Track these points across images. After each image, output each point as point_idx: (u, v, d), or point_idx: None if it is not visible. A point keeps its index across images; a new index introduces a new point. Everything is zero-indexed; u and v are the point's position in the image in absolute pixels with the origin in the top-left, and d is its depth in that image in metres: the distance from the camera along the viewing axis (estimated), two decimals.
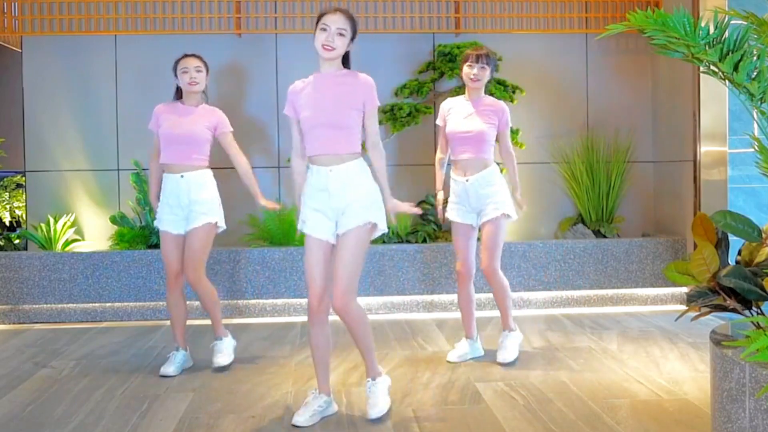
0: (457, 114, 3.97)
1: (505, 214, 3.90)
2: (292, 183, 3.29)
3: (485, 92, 4.02)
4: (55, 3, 5.66)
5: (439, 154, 4.13)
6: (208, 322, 5.03)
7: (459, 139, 3.93)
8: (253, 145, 5.65)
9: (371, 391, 3.20)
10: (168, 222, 3.87)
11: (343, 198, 3.03)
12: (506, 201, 3.93)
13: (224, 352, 4.01)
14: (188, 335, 4.76)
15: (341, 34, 2.99)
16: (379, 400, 3.16)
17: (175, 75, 3.92)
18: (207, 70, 3.97)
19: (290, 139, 3.28)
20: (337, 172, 3.02)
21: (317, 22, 3.03)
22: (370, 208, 3.05)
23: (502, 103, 4.01)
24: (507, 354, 3.95)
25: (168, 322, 5.15)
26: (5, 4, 5.63)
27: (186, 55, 3.94)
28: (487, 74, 3.93)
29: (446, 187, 4.10)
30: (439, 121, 4.08)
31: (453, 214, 4.01)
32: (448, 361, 4.01)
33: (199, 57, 3.96)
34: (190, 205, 3.83)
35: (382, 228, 3.10)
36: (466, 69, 3.93)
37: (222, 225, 3.93)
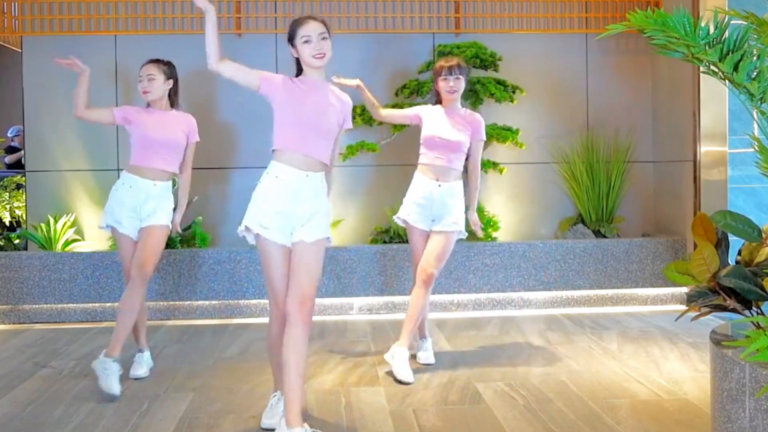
0: (437, 120, 3.93)
1: (459, 231, 3.91)
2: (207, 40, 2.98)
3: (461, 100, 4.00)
4: (55, 3, 5.66)
5: (383, 111, 4.07)
6: (207, 321, 5.05)
7: (437, 145, 3.88)
8: (253, 144, 5.65)
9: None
10: (129, 227, 3.76)
11: (311, 206, 2.94)
12: (462, 218, 3.93)
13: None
14: (187, 335, 4.77)
15: (324, 38, 2.98)
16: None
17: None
18: (168, 76, 3.85)
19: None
20: (314, 179, 2.96)
21: (293, 38, 3.01)
22: (328, 222, 3.02)
23: (477, 115, 4.01)
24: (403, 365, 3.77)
25: (168, 322, 5.16)
26: (5, 4, 5.63)
27: (146, 62, 3.87)
28: (462, 84, 3.90)
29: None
30: (411, 111, 4.03)
31: (415, 218, 3.92)
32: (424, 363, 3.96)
33: (157, 63, 3.84)
34: (154, 210, 3.77)
35: (329, 242, 3.02)
36: (441, 83, 3.89)
37: (168, 225, 3.87)
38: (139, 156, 3.79)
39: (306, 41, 2.98)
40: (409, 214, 3.94)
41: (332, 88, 3.10)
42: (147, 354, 3.94)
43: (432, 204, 3.88)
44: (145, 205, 3.76)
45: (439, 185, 3.88)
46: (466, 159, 3.98)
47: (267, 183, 2.95)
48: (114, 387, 3.43)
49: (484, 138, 4.00)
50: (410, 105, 5.61)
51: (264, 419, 3.08)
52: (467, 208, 4.00)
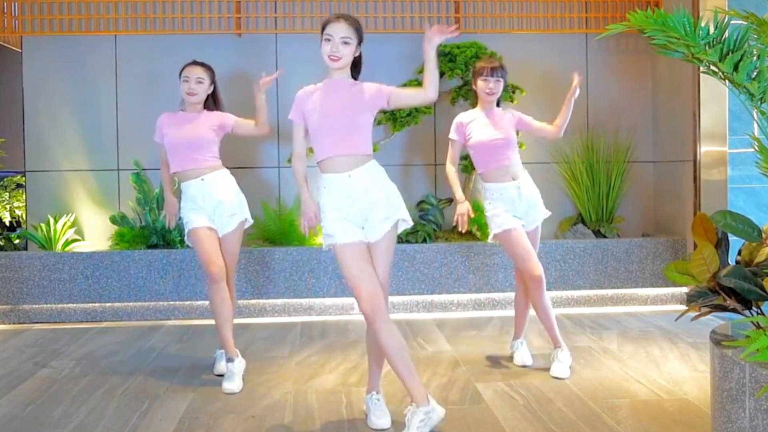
0: (481, 125, 3.89)
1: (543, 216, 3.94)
2: (296, 183, 3.16)
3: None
4: (55, 3, 5.66)
5: (452, 167, 3.99)
6: (207, 321, 5.04)
7: (494, 148, 3.84)
8: (253, 145, 5.65)
9: (377, 403, 3.15)
10: (199, 220, 3.75)
11: (366, 201, 2.98)
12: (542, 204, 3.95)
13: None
14: (187, 335, 4.77)
15: (346, 43, 2.99)
16: (385, 411, 3.11)
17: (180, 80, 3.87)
18: (211, 80, 3.89)
19: (290, 141, 3.27)
20: (357, 176, 2.98)
21: (322, 31, 3.03)
22: (393, 206, 3.03)
23: (509, 108, 4.05)
24: None
25: (168, 322, 5.16)
26: (5, 4, 5.63)
27: (190, 63, 3.88)
28: (501, 86, 3.88)
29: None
30: (453, 135, 3.95)
31: (506, 222, 3.80)
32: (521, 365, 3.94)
33: (203, 66, 3.88)
34: (217, 207, 3.76)
35: (408, 221, 3.07)
36: (480, 83, 3.86)
37: (250, 219, 3.89)
38: (175, 162, 3.81)
39: (327, 39, 3.00)
40: (496, 220, 3.84)
41: (356, 84, 3.09)
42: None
43: (519, 204, 3.84)
44: (204, 203, 3.77)
45: (519, 186, 3.85)
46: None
47: (323, 196, 3.03)
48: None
49: (529, 117, 4.01)
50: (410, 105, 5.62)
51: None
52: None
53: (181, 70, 3.86)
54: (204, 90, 3.84)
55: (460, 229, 3.91)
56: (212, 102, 3.94)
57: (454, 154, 4.01)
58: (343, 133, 2.99)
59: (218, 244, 3.78)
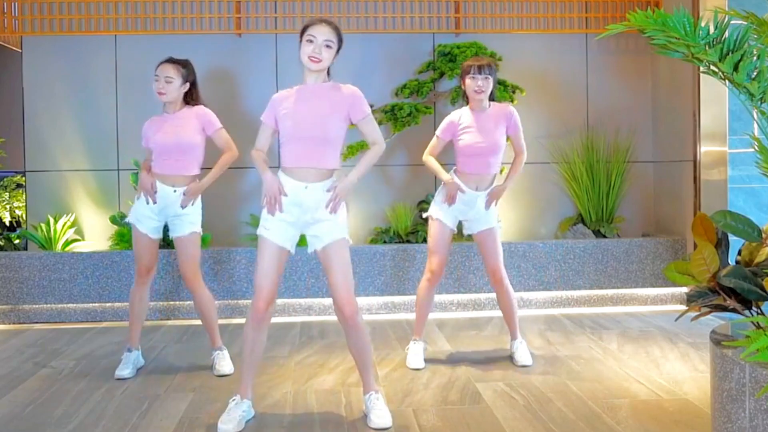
0: (468, 129, 3.89)
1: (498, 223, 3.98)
2: (257, 167, 3.18)
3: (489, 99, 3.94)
4: (55, 3, 5.66)
5: (430, 156, 4.01)
6: None
7: (476, 153, 3.86)
8: (252, 145, 5.63)
9: (376, 402, 3.14)
10: (148, 226, 3.79)
11: (315, 214, 3.05)
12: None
13: (226, 360, 3.94)
14: (187, 335, 4.77)
15: (328, 46, 3.00)
16: (385, 410, 3.11)
17: None
18: (185, 78, 3.80)
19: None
20: (313, 190, 3.03)
21: (303, 33, 3.02)
22: (342, 225, 3.08)
23: (507, 106, 3.95)
24: None
25: (168, 322, 5.16)
26: (5, 4, 5.63)
27: (163, 61, 3.80)
28: (490, 84, 3.84)
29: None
30: (441, 133, 3.95)
31: (441, 214, 3.91)
32: (413, 368, 3.92)
33: (176, 64, 3.79)
34: (178, 216, 3.78)
35: (347, 240, 3.11)
36: (468, 81, 3.83)
37: (200, 232, 3.88)
38: (156, 164, 3.78)
39: (309, 40, 3.00)
40: (439, 212, 3.97)
41: (333, 88, 3.09)
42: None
43: (469, 210, 3.92)
44: (165, 211, 3.79)
45: (477, 197, 3.88)
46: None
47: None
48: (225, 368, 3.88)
49: (520, 126, 3.95)
50: (410, 105, 5.63)
51: (221, 425, 3.04)
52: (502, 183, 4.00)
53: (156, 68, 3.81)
54: (174, 89, 3.76)
55: (449, 203, 3.90)
56: (191, 98, 3.87)
57: (435, 149, 4.02)
58: (311, 146, 3.02)
59: (153, 251, 3.88)
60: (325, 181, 3.06)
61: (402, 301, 5.35)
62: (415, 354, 3.99)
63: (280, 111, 3.09)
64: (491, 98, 3.93)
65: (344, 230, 3.09)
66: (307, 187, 3.03)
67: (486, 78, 3.82)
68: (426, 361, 4.01)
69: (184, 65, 3.82)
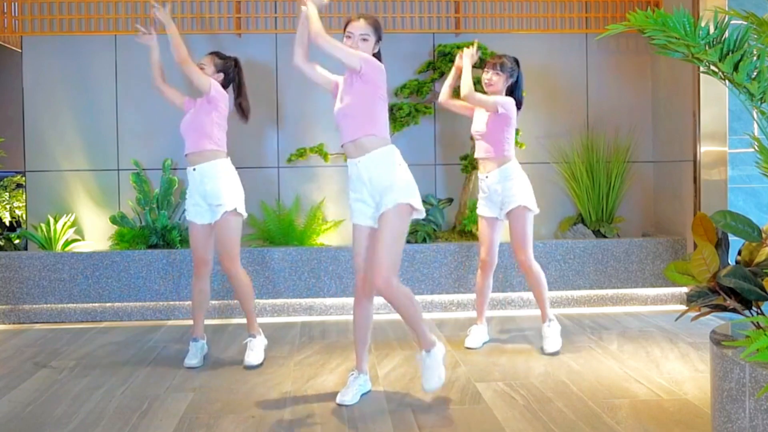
0: (476, 115, 4.28)
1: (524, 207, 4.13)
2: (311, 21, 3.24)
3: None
4: (55, 3, 5.66)
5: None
6: (207, 321, 5.03)
7: (477, 138, 4.22)
8: (253, 144, 5.65)
9: (426, 363, 3.33)
10: (192, 213, 3.99)
11: (378, 185, 3.23)
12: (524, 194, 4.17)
13: (255, 350, 4.05)
14: (187, 335, 4.77)
15: (364, 39, 3.28)
16: (434, 372, 3.31)
17: None
18: (219, 70, 4.10)
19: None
20: (365, 163, 3.24)
21: (344, 29, 3.32)
22: (403, 190, 3.22)
23: (503, 97, 4.22)
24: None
25: (169, 322, 5.16)
26: (5, 4, 5.63)
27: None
28: (501, 81, 4.20)
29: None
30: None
31: (479, 208, 4.30)
32: (467, 347, 4.27)
33: (213, 56, 4.15)
34: (206, 197, 3.92)
35: (419, 209, 3.28)
36: (483, 75, 4.25)
37: (242, 212, 3.94)
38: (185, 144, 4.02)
39: (348, 36, 3.30)
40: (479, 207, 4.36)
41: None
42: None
43: (490, 195, 4.24)
44: (197, 192, 3.96)
45: (486, 176, 4.18)
46: None
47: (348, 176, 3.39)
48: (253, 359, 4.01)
49: (499, 110, 4.11)
50: (409, 105, 5.63)
51: (340, 396, 3.35)
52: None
53: None
54: (208, 75, 4.03)
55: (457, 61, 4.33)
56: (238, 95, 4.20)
57: (464, 108, 4.41)
58: (348, 119, 3.29)
59: (207, 239, 4.01)
60: (375, 151, 3.24)
61: None
62: (474, 335, 4.33)
63: (337, 89, 3.39)
64: (512, 96, 4.23)
65: (403, 195, 3.22)
66: (359, 161, 3.25)
67: (496, 74, 4.19)
68: None
69: (223, 58, 4.14)
